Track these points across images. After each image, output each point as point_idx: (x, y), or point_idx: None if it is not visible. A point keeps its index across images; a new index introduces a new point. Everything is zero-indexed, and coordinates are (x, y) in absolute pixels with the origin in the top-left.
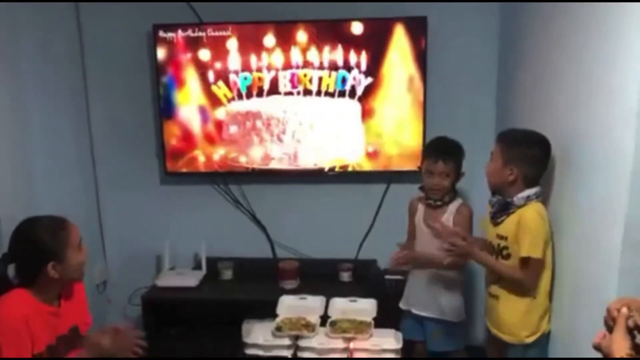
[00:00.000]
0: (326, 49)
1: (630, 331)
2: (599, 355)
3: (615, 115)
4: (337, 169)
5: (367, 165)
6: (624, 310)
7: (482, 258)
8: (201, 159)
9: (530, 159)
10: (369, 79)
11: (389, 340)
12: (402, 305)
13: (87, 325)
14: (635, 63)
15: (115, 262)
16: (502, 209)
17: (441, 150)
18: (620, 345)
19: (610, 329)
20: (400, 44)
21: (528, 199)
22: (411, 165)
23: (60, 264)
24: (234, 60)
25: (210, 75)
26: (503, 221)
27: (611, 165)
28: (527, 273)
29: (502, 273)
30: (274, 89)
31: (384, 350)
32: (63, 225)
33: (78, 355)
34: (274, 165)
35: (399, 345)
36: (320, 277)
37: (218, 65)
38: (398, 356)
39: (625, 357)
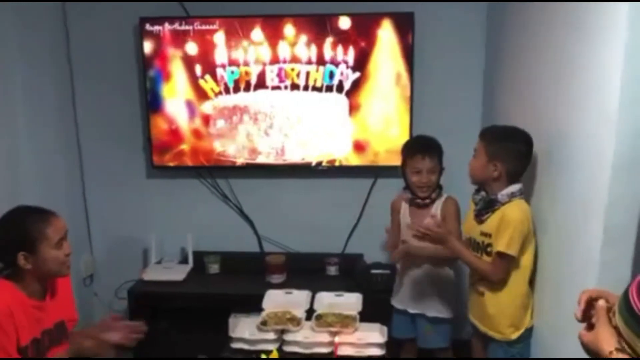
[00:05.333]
0: (313, 43)
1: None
2: (579, 350)
3: (595, 113)
4: (324, 164)
5: (354, 160)
6: (602, 302)
7: (457, 247)
8: (188, 152)
9: (514, 154)
10: (357, 74)
11: (374, 335)
12: (395, 304)
13: (73, 321)
14: (615, 62)
15: (102, 256)
16: (487, 207)
17: (425, 147)
18: (608, 340)
19: (585, 319)
20: (387, 39)
21: (512, 195)
22: (398, 161)
23: (33, 255)
24: (221, 54)
25: (197, 69)
26: (487, 218)
27: (591, 162)
28: (496, 267)
29: (472, 265)
30: (261, 83)
31: (369, 344)
32: (43, 217)
33: (64, 352)
34: (261, 159)
35: (384, 339)
36: (307, 271)
37: (205, 59)
38: (383, 350)
39: (614, 353)
